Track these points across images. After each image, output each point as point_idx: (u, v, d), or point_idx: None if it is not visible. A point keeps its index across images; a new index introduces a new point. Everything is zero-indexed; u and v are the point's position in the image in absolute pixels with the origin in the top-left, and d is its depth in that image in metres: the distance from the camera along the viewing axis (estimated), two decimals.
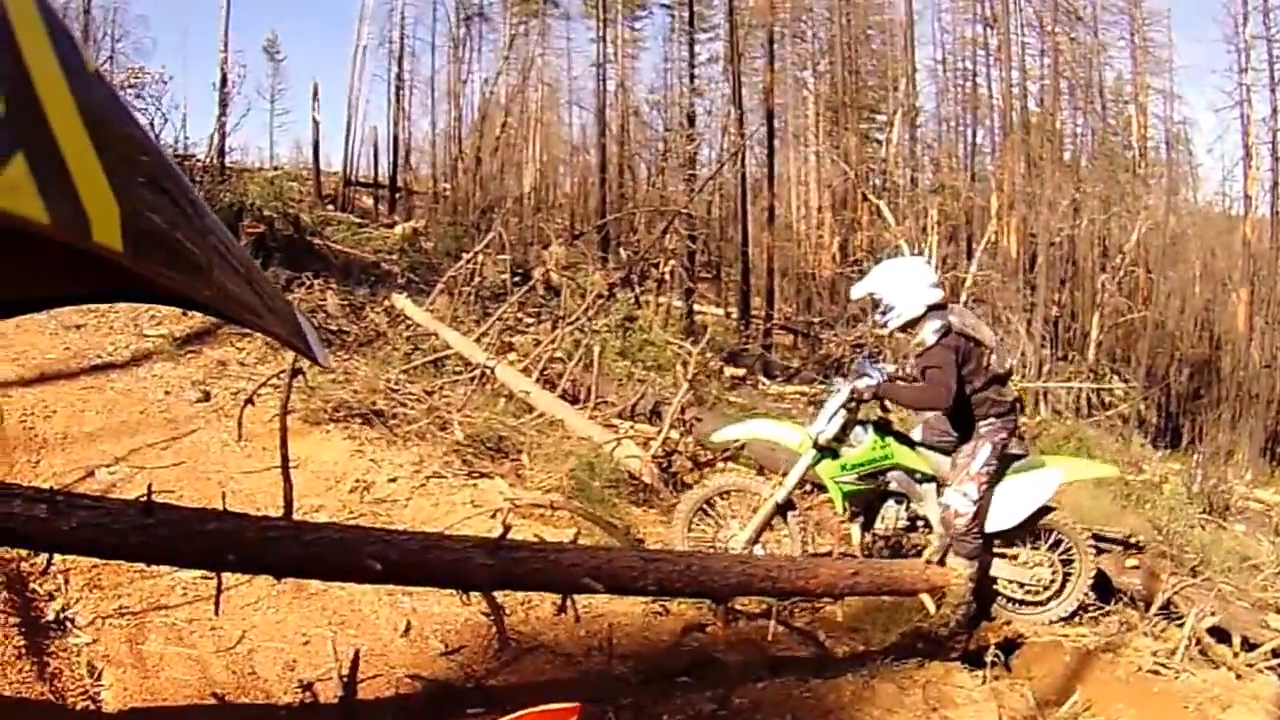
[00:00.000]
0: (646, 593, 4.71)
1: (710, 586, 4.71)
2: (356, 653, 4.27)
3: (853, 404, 5.80)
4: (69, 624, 4.48)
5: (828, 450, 5.88)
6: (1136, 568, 6.62)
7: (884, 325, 5.95)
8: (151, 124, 16.90)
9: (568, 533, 5.84)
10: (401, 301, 11.88)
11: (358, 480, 6.58)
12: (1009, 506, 5.86)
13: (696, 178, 22.19)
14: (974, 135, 27.80)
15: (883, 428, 5.99)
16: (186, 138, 19.10)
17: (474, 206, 23.68)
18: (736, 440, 7.46)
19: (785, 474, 6.07)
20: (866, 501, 6.03)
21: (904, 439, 6.05)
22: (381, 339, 10.64)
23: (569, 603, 4.35)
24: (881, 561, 5.90)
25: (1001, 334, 10.90)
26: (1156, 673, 5.34)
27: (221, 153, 19.11)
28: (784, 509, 6.02)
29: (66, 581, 4.73)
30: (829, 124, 28.70)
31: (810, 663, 5.23)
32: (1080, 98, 25.91)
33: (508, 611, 4.79)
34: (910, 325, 5.76)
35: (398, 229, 21.61)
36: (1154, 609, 6.06)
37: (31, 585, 4.67)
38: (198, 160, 17.90)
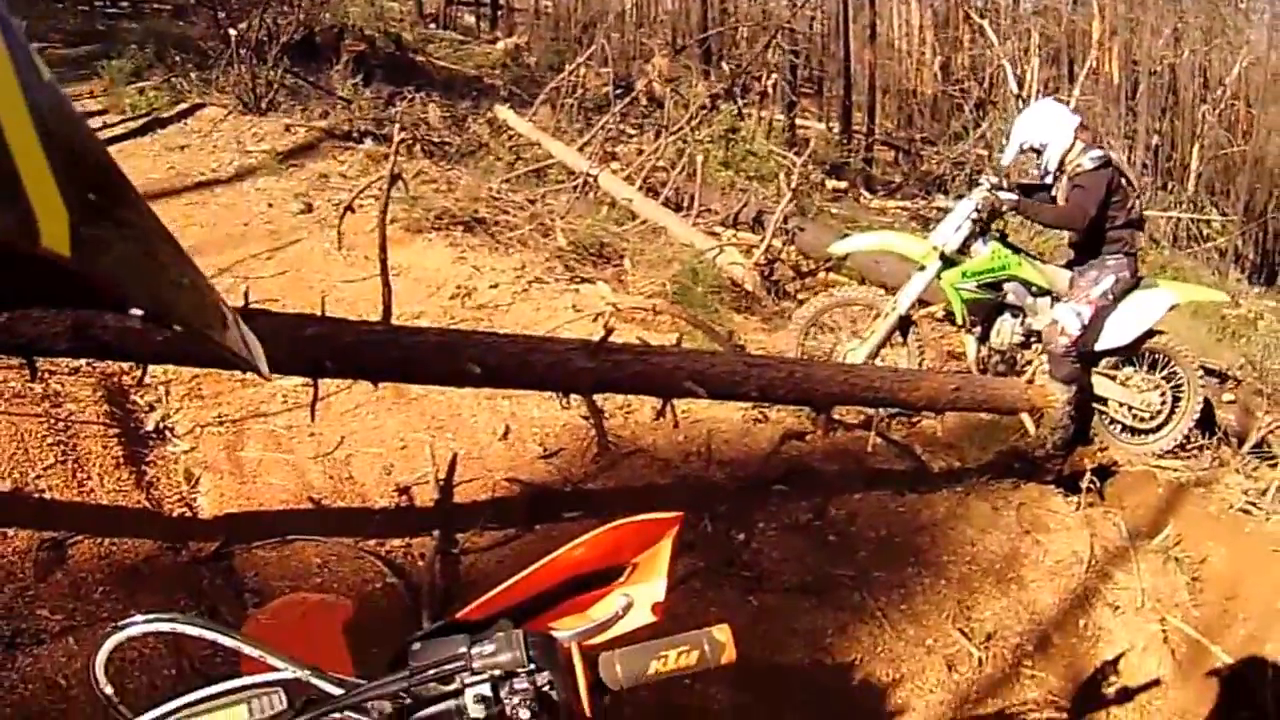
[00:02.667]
0: (748, 398, 4.67)
1: (812, 394, 4.65)
2: (454, 456, 4.27)
3: (982, 215, 5.79)
4: (168, 433, 4.49)
5: (949, 262, 5.87)
6: (1232, 402, 6.70)
7: (1045, 172, 5.90)
8: None
9: (670, 338, 5.69)
10: (504, 112, 11.68)
11: (459, 286, 6.44)
12: (1120, 324, 5.85)
13: None
14: None
15: (1002, 240, 5.98)
16: None
17: (575, 22, 23.02)
18: (860, 250, 7.28)
19: (899, 287, 6.07)
20: (984, 313, 5.98)
21: (1023, 253, 6.05)
22: (484, 150, 10.51)
23: (668, 408, 4.29)
24: (983, 378, 5.84)
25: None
26: (1248, 512, 5.33)
27: None
28: (905, 324, 5.96)
29: (167, 393, 4.74)
30: None
31: (906, 476, 5.23)
32: None
33: (607, 416, 4.74)
34: (1065, 158, 5.73)
35: (499, 45, 21.15)
36: (1247, 446, 5.97)
37: (133, 397, 4.68)
38: None
